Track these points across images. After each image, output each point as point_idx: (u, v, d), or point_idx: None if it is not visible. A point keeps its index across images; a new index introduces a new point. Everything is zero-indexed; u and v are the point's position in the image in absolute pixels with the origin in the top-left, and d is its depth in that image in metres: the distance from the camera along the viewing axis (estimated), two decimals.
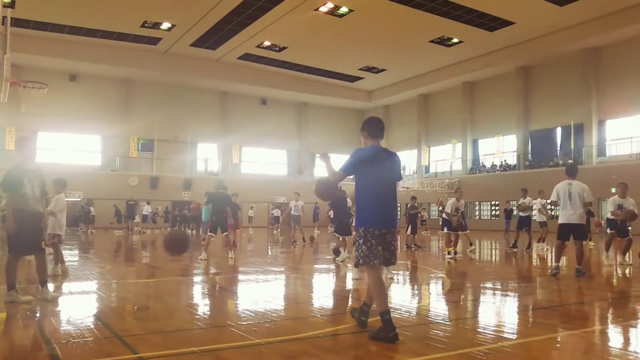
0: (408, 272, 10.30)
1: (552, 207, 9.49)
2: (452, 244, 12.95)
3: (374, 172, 4.56)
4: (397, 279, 8.81)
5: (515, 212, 19.98)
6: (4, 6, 10.44)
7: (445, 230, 13.21)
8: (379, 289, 4.53)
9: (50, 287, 7.01)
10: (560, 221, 9.07)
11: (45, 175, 6.47)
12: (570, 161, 28.24)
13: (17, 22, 29.66)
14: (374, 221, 4.54)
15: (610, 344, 4.74)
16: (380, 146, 4.70)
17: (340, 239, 11.53)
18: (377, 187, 4.57)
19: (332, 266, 11.08)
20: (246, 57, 36.42)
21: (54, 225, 8.86)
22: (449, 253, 12.59)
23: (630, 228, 11.29)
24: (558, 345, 4.57)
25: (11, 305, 5.90)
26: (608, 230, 11.40)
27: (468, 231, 13.96)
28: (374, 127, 4.72)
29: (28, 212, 6.15)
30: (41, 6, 27.70)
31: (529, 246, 15.31)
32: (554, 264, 9.06)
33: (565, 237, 9.05)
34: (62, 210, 8.93)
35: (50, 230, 8.85)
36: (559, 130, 33.13)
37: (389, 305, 4.57)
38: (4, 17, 10.83)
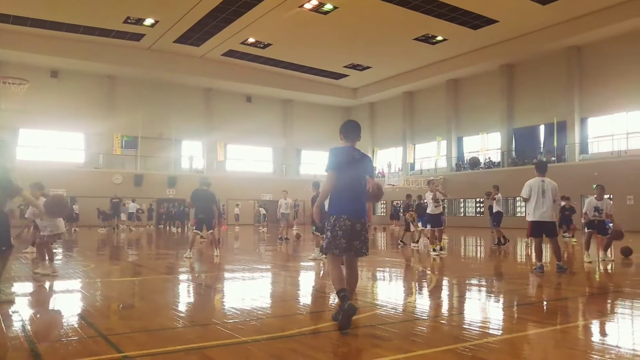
0: (394, 269, 10.34)
1: (525, 204, 9.51)
2: (436, 240, 13.02)
3: (348, 169, 4.88)
4: (383, 276, 8.85)
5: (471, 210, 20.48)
6: None
7: (429, 227, 13.29)
8: (337, 274, 4.79)
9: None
10: (532, 218, 9.08)
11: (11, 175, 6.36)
12: (553, 159, 28.56)
13: None
14: (346, 210, 4.81)
15: (592, 338, 4.80)
16: (353, 147, 5.02)
17: (320, 237, 11.60)
18: (350, 182, 4.87)
19: (321, 264, 11.08)
20: (230, 53, 36.26)
21: (57, 225, 8.70)
22: (434, 250, 12.65)
23: (611, 225, 11.46)
24: (542, 340, 4.62)
25: None
26: (586, 230, 11.54)
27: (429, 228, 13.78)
28: (348, 129, 5.05)
29: (4, 213, 6.16)
30: (21, 0, 27.25)
31: (499, 242, 15.35)
32: (537, 262, 9.13)
33: (539, 234, 9.14)
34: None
35: (55, 230, 8.73)
36: (542, 128, 33.52)
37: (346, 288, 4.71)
38: None
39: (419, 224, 15.63)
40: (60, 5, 28.05)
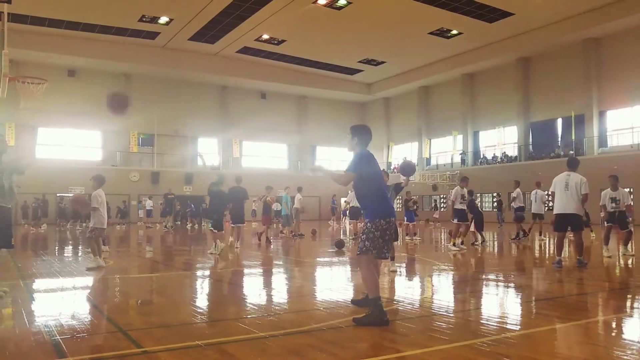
0: (410, 264, 10.31)
1: (551, 199, 9.43)
2: (460, 234, 12.91)
3: (377, 171, 5.00)
4: (400, 271, 8.83)
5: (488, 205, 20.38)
6: (1, 1, 10.39)
7: (456, 220, 13.12)
8: (372, 277, 4.85)
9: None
10: (555, 211, 9.09)
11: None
12: (571, 152, 28.21)
13: (15, 18, 29.57)
14: (383, 213, 4.87)
15: (613, 334, 4.75)
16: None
17: (216, 233, 12.00)
18: (380, 183, 5.00)
19: (335, 259, 11.10)
20: (245, 50, 36.32)
21: (95, 220, 9.33)
22: (454, 244, 12.55)
23: (630, 219, 11.28)
24: (561, 336, 4.58)
25: None
26: (606, 223, 11.38)
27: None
28: (368, 136, 5.11)
29: (4, 208, 6.25)
30: (38, 1, 27.59)
31: (517, 235, 15.49)
32: (556, 257, 9.04)
33: (562, 228, 9.05)
34: (102, 205, 9.35)
35: (92, 224, 9.37)
36: (559, 122, 33.08)
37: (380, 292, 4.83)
38: (1, 13, 10.79)
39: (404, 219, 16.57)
40: (77, 5, 28.30)
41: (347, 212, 21.29)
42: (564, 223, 9.00)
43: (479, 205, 15.95)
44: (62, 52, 33.01)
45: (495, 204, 30.10)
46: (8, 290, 6.39)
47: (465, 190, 13.32)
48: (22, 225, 28.28)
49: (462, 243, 12.87)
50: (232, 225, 13.02)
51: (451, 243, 12.74)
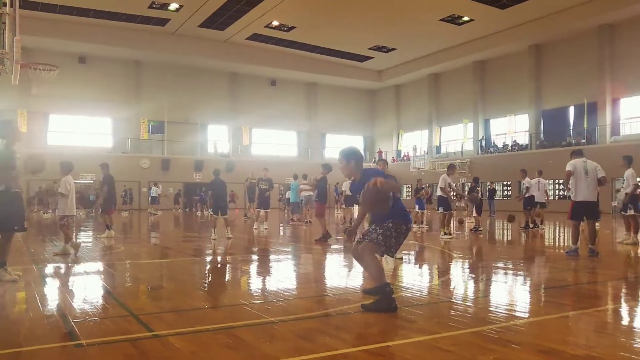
0: (417, 252, 10.32)
1: (568, 182, 9.11)
2: (447, 223, 12.91)
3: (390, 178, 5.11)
4: (407, 259, 8.84)
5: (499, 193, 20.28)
6: None
7: (441, 210, 13.11)
8: (377, 264, 4.89)
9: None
10: (577, 199, 8.79)
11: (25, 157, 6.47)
12: (583, 141, 27.89)
13: (26, 4, 29.60)
14: (406, 219, 4.99)
15: (622, 322, 4.73)
16: None
17: (214, 217, 12.65)
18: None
19: (343, 246, 11.12)
20: (255, 37, 36.23)
21: (64, 207, 9.20)
22: (445, 233, 12.52)
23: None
24: (570, 324, 4.57)
25: None
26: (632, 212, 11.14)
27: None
28: (361, 155, 5.22)
29: (17, 192, 6.28)
30: None
31: (527, 225, 15.49)
32: (572, 245, 8.92)
33: (581, 216, 8.84)
34: (71, 192, 9.27)
35: (61, 212, 9.24)
36: (571, 109, 32.76)
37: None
38: None
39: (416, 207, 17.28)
40: None
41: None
42: (583, 211, 8.81)
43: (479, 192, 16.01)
44: (73, 39, 33.13)
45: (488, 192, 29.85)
46: (21, 274, 6.48)
47: (453, 177, 13.40)
48: (32, 211, 28.57)
49: (448, 233, 12.69)
50: (216, 216, 12.72)
51: (441, 232, 12.67)
